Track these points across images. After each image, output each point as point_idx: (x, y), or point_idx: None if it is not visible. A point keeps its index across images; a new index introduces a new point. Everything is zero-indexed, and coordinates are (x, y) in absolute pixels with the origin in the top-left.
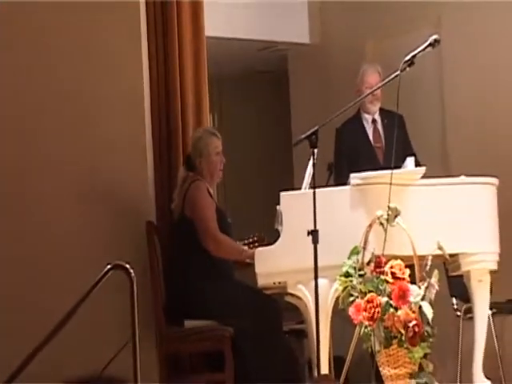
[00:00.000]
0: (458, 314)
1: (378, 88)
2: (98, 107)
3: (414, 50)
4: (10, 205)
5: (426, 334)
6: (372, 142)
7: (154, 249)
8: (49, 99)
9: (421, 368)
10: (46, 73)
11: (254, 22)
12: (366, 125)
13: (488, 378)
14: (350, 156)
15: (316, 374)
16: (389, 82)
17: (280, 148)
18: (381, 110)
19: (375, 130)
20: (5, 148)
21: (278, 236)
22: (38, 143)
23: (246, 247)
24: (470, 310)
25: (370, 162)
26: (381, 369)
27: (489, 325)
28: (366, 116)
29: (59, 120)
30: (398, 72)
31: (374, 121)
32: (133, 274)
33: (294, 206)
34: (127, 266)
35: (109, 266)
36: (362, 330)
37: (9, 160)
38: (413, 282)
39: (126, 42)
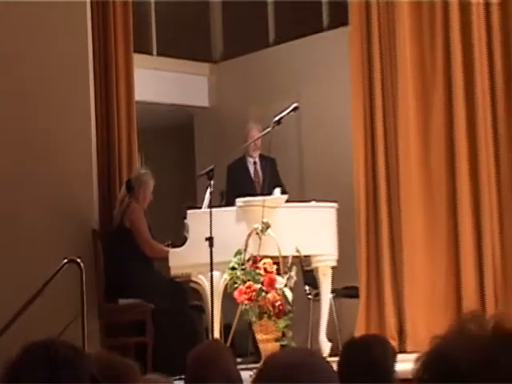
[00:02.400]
0: (310, 297)
1: (257, 139)
2: (54, 143)
3: (281, 113)
4: None
5: (287, 310)
6: (253, 177)
7: (97, 249)
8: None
9: (283, 334)
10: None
11: (168, 90)
12: (249, 165)
13: (330, 341)
14: (236, 186)
15: (210, 337)
16: (263, 135)
17: (188, 180)
18: (260, 155)
19: (255, 169)
20: None
21: (186, 241)
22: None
23: (166, 247)
24: (317, 295)
25: (251, 191)
26: (256, 334)
27: (330, 304)
28: (250, 159)
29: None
30: (270, 129)
31: (254, 163)
32: (82, 266)
33: (196, 219)
34: (78, 260)
35: (65, 260)
36: (243, 307)
37: None
38: (279, 273)
39: (77, 104)
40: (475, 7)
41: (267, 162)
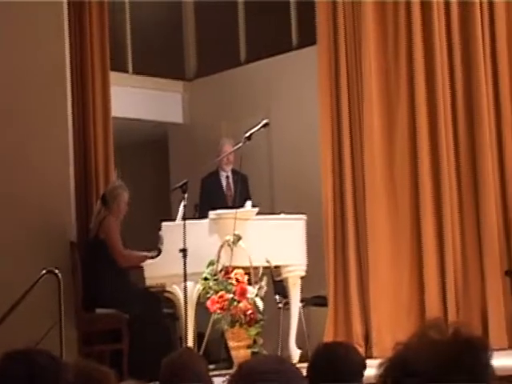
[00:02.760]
0: (280, 306)
1: (229, 154)
2: (32, 157)
3: (251, 129)
4: None
5: (258, 319)
6: (225, 190)
7: (75, 260)
8: None
9: (254, 342)
10: None
11: (143, 107)
12: (221, 178)
13: (299, 348)
14: (209, 198)
15: (184, 345)
16: (234, 150)
17: (162, 193)
18: (233, 170)
19: (228, 182)
20: None
21: (160, 252)
22: None
23: (139, 253)
24: (287, 304)
25: (223, 204)
26: (228, 342)
27: (299, 313)
28: (222, 173)
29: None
30: (241, 144)
31: (227, 177)
32: (60, 277)
33: (171, 231)
34: (56, 271)
35: (43, 271)
36: (216, 316)
37: None
38: (250, 283)
39: (55, 120)
40: (437, 26)
41: (239, 177)
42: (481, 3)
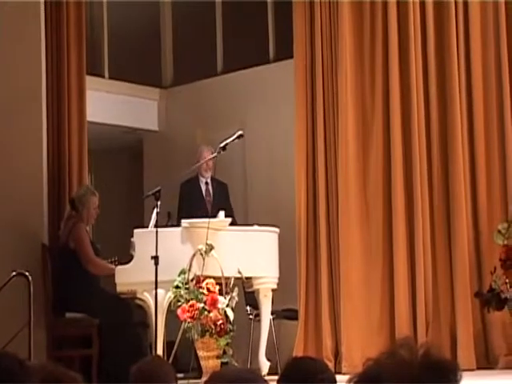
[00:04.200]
0: (251, 317)
1: (205, 162)
2: (4, 159)
3: (226, 140)
4: None
5: (228, 329)
6: (204, 196)
7: (46, 263)
8: None
9: (224, 352)
10: None
11: (119, 113)
12: (201, 184)
13: (269, 360)
14: (188, 203)
15: (154, 353)
16: (210, 159)
17: (135, 200)
18: (212, 178)
19: (207, 189)
20: None
21: (132, 259)
22: None
23: (110, 265)
24: (258, 315)
25: (202, 210)
26: (198, 351)
27: (270, 325)
28: (202, 179)
29: None
30: (215, 154)
31: (206, 183)
32: (30, 279)
33: (143, 238)
34: (27, 273)
35: (14, 273)
36: (186, 325)
37: None
38: (221, 294)
39: (29, 122)
40: (413, 43)
41: (219, 185)
42: (456, 23)
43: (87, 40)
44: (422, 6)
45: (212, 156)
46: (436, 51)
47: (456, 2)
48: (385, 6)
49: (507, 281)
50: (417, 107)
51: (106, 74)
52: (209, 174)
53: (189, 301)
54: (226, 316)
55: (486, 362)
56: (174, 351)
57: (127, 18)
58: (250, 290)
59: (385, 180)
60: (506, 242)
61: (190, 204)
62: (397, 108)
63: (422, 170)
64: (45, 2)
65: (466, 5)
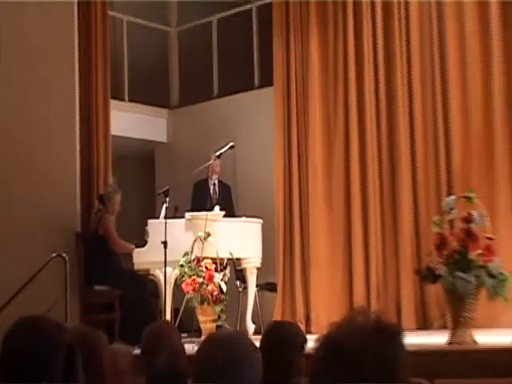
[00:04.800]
0: (239, 289)
1: (206, 166)
2: (47, 166)
3: (220, 150)
4: None
5: (222, 299)
6: (211, 194)
7: (79, 247)
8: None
9: (219, 317)
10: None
11: (136, 128)
12: (210, 185)
13: (254, 323)
14: (199, 198)
15: (162, 318)
16: (207, 166)
17: (149, 197)
18: (219, 180)
19: (214, 189)
20: None
21: (146, 243)
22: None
23: (130, 244)
24: (245, 288)
25: (209, 205)
26: (198, 316)
27: (255, 296)
28: (210, 181)
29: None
30: (211, 161)
31: (214, 184)
32: (66, 259)
33: (155, 227)
34: (64, 254)
35: (53, 255)
36: (189, 296)
37: None
38: (216, 271)
39: (66, 137)
40: (367, 80)
41: (224, 186)
42: (400, 36)
43: (111, 71)
44: (374, 44)
45: (206, 164)
46: (385, 73)
47: (400, 23)
48: (345, 42)
49: (440, 261)
50: (370, 123)
51: (126, 98)
52: (216, 177)
53: (191, 276)
54: (220, 288)
55: (424, 324)
56: (179, 316)
57: (143, 53)
58: (239, 268)
59: (345, 182)
60: (439, 231)
61: (201, 199)
62: (354, 122)
63: (374, 174)
64: (78, 38)
65: (407, 20)
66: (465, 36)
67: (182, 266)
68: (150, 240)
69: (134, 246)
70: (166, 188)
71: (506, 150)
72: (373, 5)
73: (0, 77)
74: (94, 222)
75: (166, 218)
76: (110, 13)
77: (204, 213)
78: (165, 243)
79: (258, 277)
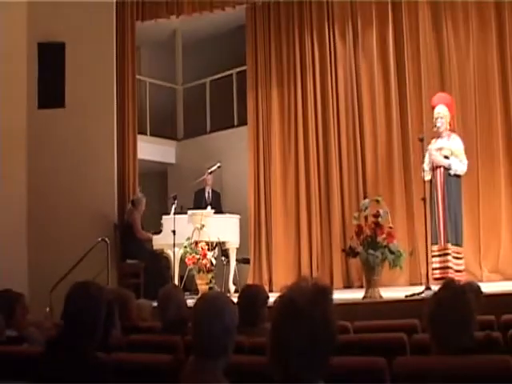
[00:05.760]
0: (224, 263)
1: (202, 179)
2: (95, 180)
3: (211, 168)
4: (50, 214)
5: (212, 269)
6: (206, 199)
7: (116, 234)
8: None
9: (210, 281)
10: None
11: (154, 153)
12: (205, 192)
13: (234, 285)
14: (198, 202)
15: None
16: (202, 179)
17: (163, 200)
18: (212, 189)
19: (208, 195)
20: (52, 188)
21: (161, 231)
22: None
23: (149, 234)
24: (228, 262)
25: (205, 207)
26: (196, 281)
27: (235, 267)
28: (206, 189)
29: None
30: (205, 176)
31: (208, 192)
32: (108, 242)
33: (167, 221)
34: (106, 239)
35: (99, 239)
36: (190, 267)
37: (50, 193)
38: (209, 250)
39: (105, 161)
40: (310, 120)
41: (215, 193)
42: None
43: (137, 113)
44: (314, 98)
45: (201, 178)
46: (321, 114)
47: (331, 82)
48: (295, 96)
49: (358, 243)
50: (312, 149)
51: (148, 133)
52: (209, 187)
53: (191, 254)
54: (211, 262)
55: (348, 284)
56: (183, 281)
57: (159, 101)
58: (224, 248)
59: (295, 190)
60: (357, 223)
61: (199, 202)
62: (301, 149)
63: (315, 184)
64: (116, 93)
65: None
66: (374, 79)
67: (185, 247)
68: (163, 229)
69: (151, 235)
70: (175, 194)
71: (401, 167)
72: (314, 70)
73: (68, 116)
74: (126, 217)
75: (174, 214)
76: (138, 76)
77: (201, 211)
78: (174, 231)
79: (237, 254)
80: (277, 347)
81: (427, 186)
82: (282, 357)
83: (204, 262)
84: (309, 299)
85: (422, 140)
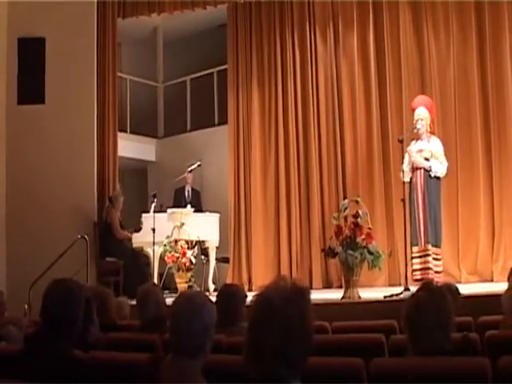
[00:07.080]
0: (204, 261)
1: (181, 178)
2: (73, 178)
3: (191, 166)
4: (30, 210)
5: (192, 268)
6: (186, 197)
7: (95, 231)
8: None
9: (190, 280)
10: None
11: (134, 151)
12: (185, 191)
13: (214, 284)
14: (178, 200)
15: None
16: (182, 177)
17: (143, 198)
18: (192, 188)
19: (188, 193)
20: (37, 185)
21: (141, 229)
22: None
23: (127, 233)
24: (208, 261)
25: (185, 205)
26: (176, 279)
27: (214, 266)
28: (186, 187)
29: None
30: (185, 174)
31: (188, 190)
32: (87, 240)
33: (147, 218)
34: (86, 236)
35: (79, 236)
36: (170, 265)
37: (36, 193)
38: (188, 248)
39: (86, 158)
40: (290, 118)
41: (195, 191)
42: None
43: (119, 110)
44: (295, 98)
45: (181, 177)
46: (301, 113)
47: (312, 88)
48: (276, 96)
49: (337, 243)
50: (292, 147)
51: (128, 130)
52: (189, 185)
53: (171, 252)
54: (190, 261)
55: (327, 284)
56: (163, 279)
57: (139, 99)
58: (204, 247)
59: (275, 189)
60: (337, 223)
61: (179, 200)
62: (281, 148)
63: (295, 183)
64: (97, 91)
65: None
66: (354, 80)
67: (165, 245)
68: (143, 227)
69: (130, 234)
70: (155, 192)
71: (381, 168)
72: (294, 70)
73: (48, 112)
74: (105, 214)
75: (154, 212)
76: (119, 73)
77: (180, 209)
78: (153, 229)
79: (216, 253)
80: (252, 346)
81: (406, 187)
82: (258, 355)
83: (183, 260)
84: (285, 298)
85: (401, 141)
